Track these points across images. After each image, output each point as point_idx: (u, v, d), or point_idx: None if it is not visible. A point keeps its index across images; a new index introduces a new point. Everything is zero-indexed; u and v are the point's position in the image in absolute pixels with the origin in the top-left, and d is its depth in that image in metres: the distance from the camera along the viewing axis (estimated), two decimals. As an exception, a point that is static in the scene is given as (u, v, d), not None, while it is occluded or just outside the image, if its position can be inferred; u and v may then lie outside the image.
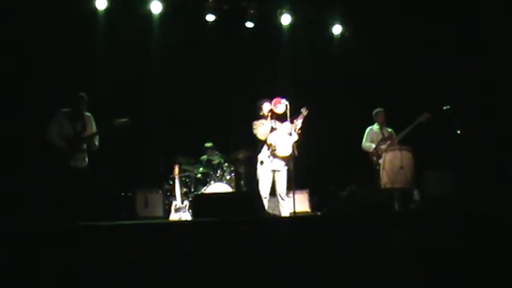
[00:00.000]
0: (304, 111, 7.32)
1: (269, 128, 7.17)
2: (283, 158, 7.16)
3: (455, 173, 7.87)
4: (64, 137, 6.70)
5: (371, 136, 8.32)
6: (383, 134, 8.22)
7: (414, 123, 7.97)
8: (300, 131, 7.23)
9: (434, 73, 9.14)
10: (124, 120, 6.93)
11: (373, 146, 8.15)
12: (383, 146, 8.00)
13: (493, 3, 8.82)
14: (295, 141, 7.17)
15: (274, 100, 7.19)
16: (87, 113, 6.98)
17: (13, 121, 7.46)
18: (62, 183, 6.56)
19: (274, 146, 7.08)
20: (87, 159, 6.92)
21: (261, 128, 7.17)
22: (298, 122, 7.23)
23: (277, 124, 7.24)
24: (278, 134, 7.17)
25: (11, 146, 7.42)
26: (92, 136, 6.91)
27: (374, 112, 8.41)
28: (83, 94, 6.94)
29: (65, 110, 6.85)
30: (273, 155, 7.13)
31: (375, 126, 8.37)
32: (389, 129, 8.33)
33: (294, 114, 7.19)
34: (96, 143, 7.00)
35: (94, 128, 6.99)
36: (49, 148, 6.72)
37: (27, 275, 3.70)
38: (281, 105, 7.13)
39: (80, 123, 6.83)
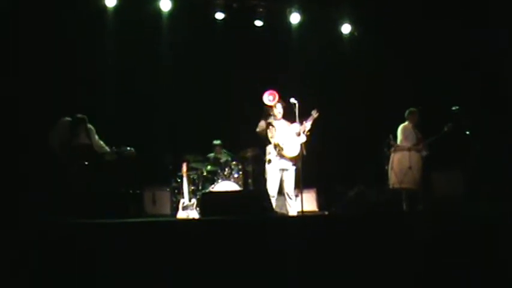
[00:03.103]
0: (314, 114, 7.27)
1: (276, 129, 7.12)
2: (291, 159, 7.13)
3: (464, 174, 7.86)
4: (62, 145, 7.00)
5: (406, 133, 8.15)
6: (416, 134, 8.11)
7: (440, 133, 7.89)
8: (308, 133, 7.18)
9: (443, 73, 9.10)
10: (131, 151, 7.34)
11: (408, 145, 8.04)
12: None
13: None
14: (304, 142, 7.12)
15: (269, 92, 7.16)
16: (90, 126, 7.25)
17: (21, 121, 7.61)
18: (62, 182, 6.82)
19: (282, 147, 7.05)
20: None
21: (269, 131, 7.12)
22: (308, 124, 7.17)
23: (285, 124, 7.20)
24: (286, 134, 7.12)
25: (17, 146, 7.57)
26: (100, 150, 7.24)
27: (408, 111, 8.24)
28: (83, 116, 7.21)
29: (67, 119, 7.15)
30: (280, 155, 7.10)
31: (408, 124, 8.21)
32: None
33: (303, 113, 7.13)
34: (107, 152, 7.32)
35: (96, 140, 7.27)
36: (49, 152, 7.00)
37: (35, 271, 3.73)
38: (269, 97, 7.10)
39: (80, 135, 7.13)
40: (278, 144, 7.06)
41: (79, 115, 7.22)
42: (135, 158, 7.37)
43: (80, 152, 7.09)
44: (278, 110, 7.25)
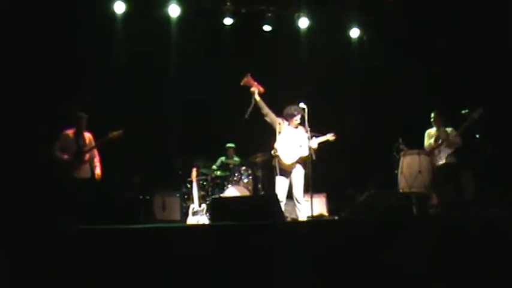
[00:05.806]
0: (330, 137, 7.27)
1: (283, 133, 7.05)
2: (286, 166, 7.04)
3: (475, 177, 7.79)
4: (69, 152, 7.21)
5: (428, 138, 8.07)
6: (438, 135, 7.97)
7: (469, 120, 7.62)
8: (313, 149, 7.01)
9: (453, 75, 9.05)
10: (118, 132, 7.36)
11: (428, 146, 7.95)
12: (438, 148, 7.82)
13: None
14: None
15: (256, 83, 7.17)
16: (88, 134, 7.45)
17: (28, 130, 7.78)
18: (69, 191, 7.02)
19: (277, 153, 6.94)
20: (91, 171, 7.39)
21: (278, 126, 7.05)
22: (317, 141, 7.12)
23: (298, 132, 7.08)
24: (289, 141, 7.02)
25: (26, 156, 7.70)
26: (92, 148, 7.40)
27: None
28: (83, 114, 7.42)
29: (67, 131, 7.34)
30: (276, 160, 7.00)
31: (432, 128, 8.08)
32: (449, 129, 7.94)
33: (313, 119, 7.05)
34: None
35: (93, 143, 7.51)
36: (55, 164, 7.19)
37: (51, 275, 3.75)
38: (255, 86, 7.13)
39: (81, 139, 7.35)
40: (275, 149, 6.97)
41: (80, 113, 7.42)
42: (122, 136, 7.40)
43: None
44: (296, 118, 7.10)
